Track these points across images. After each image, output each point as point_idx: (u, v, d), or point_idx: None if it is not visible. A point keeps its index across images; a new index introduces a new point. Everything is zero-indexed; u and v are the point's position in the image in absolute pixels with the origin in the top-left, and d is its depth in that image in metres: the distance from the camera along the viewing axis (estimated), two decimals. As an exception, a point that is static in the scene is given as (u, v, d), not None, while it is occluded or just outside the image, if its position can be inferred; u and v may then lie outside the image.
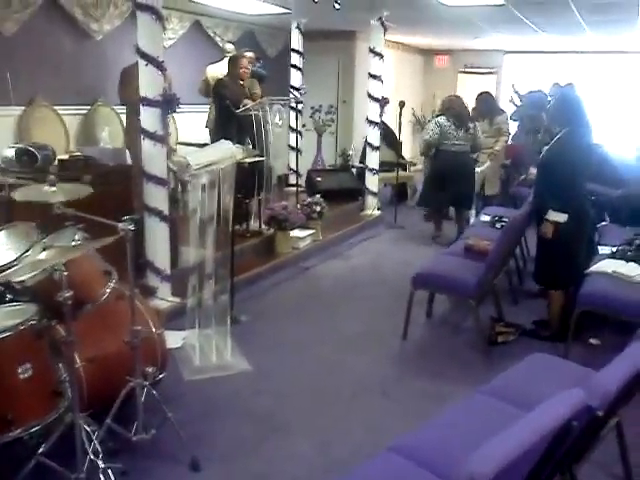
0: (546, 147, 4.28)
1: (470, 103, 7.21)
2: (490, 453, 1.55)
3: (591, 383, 2.03)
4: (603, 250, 4.65)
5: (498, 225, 5.50)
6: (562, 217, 4.05)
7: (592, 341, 4.24)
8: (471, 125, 6.68)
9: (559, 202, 4.04)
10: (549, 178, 4.12)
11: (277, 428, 3.23)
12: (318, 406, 3.48)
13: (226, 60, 6.48)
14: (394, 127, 8.68)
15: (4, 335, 2.34)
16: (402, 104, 7.91)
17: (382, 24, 7.48)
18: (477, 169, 7.03)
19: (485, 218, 5.86)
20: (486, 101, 7.41)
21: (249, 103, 5.89)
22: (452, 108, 6.69)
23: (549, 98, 8.64)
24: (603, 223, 5.11)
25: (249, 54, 7.58)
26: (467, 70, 12.59)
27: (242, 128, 5.90)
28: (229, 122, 5.88)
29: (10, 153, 4.03)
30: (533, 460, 1.78)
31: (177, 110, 5.52)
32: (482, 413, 2.51)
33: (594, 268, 4.21)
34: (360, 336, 4.47)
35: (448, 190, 6.65)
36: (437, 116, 6.94)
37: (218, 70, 6.65)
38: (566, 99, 4.43)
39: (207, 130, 6.72)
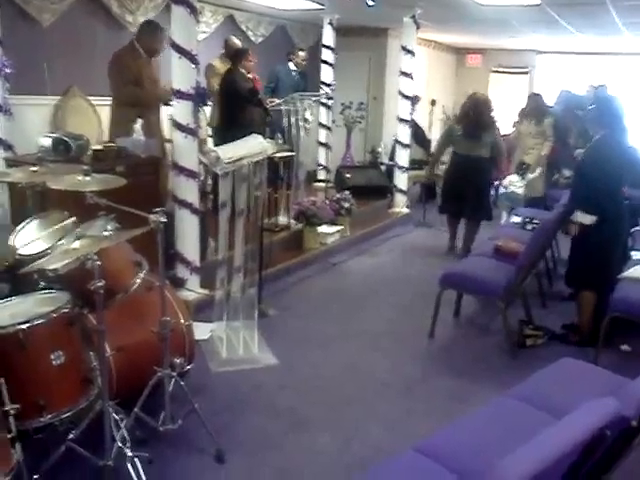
0: (581, 150, 4.22)
1: (500, 103, 7.06)
2: (521, 460, 1.53)
3: (625, 391, 2.00)
4: (636, 255, 4.56)
5: (529, 227, 5.43)
6: (589, 219, 3.99)
7: (623, 347, 4.17)
8: (485, 137, 6.15)
9: (590, 204, 3.99)
10: (585, 181, 4.06)
11: (300, 423, 3.24)
12: (342, 402, 3.47)
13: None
14: (424, 125, 8.62)
15: (37, 322, 2.37)
16: (433, 102, 7.85)
17: (415, 22, 7.43)
18: (530, 176, 6.90)
19: (516, 219, 5.80)
20: (534, 101, 7.26)
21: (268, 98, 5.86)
22: (462, 114, 6.35)
23: (585, 100, 8.55)
24: (637, 228, 5.01)
25: (302, 53, 7.65)
26: (499, 70, 12.45)
27: (252, 123, 5.86)
28: (240, 118, 5.84)
29: (47, 142, 4.08)
30: (563, 469, 1.75)
31: (208, 103, 5.60)
32: (510, 417, 2.48)
33: (627, 273, 4.13)
34: (386, 333, 4.46)
35: (461, 195, 6.28)
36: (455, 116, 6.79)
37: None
38: (606, 101, 4.36)
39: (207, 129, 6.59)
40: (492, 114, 6.31)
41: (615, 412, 1.82)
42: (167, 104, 5.18)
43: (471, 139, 6.15)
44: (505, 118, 8.89)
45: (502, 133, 6.92)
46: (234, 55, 6.18)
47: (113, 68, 5.03)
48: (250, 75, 6.17)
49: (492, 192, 7.31)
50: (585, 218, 4.01)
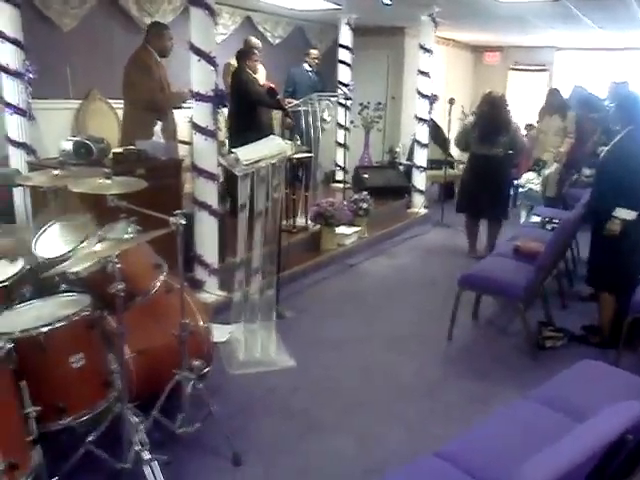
0: (605, 147, 4.17)
1: (519, 101, 6.98)
2: (543, 464, 1.52)
3: (648, 395, 1.97)
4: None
5: (548, 227, 5.38)
6: (632, 214, 3.92)
7: (645, 349, 4.11)
8: (501, 138, 6.03)
9: (628, 200, 3.92)
10: (612, 178, 3.99)
11: (317, 426, 3.24)
12: (359, 405, 3.47)
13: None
14: (443, 124, 8.58)
15: (58, 325, 2.40)
16: (452, 101, 7.80)
17: (433, 20, 7.40)
18: (545, 172, 6.81)
19: (535, 219, 5.75)
20: (554, 97, 7.12)
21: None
22: (477, 118, 6.24)
23: (606, 96, 8.44)
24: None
25: (314, 51, 7.66)
26: (518, 67, 12.34)
27: (262, 124, 5.85)
28: (252, 117, 5.84)
29: (68, 146, 4.12)
30: (585, 472, 1.73)
31: (226, 105, 5.62)
32: (531, 420, 2.46)
33: (649, 274, 4.08)
34: (404, 335, 4.44)
35: (480, 195, 6.18)
36: (473, 113, 6.72)
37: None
38: (629, 98, 4.30)
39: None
40: (509, 112, 6.21)
41: (637, 415, 1.80)
42: (179, 107, 5.23)
43: (488, 140, 6.07)
44: (524, 116, 8.84)
45: (522, 130, 6.84)
46: (239, 54, 6.14)
47: (135, 71, 5.04)
48: (256, 76, 6.16)
49: (512, 191, 7.26)
50: (629, 214, 3.92)
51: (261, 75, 6.88)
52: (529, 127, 8.22)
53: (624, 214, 3.93)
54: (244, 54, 6.07)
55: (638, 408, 1.83)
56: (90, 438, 2.57)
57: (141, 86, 5.00)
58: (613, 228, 3.97)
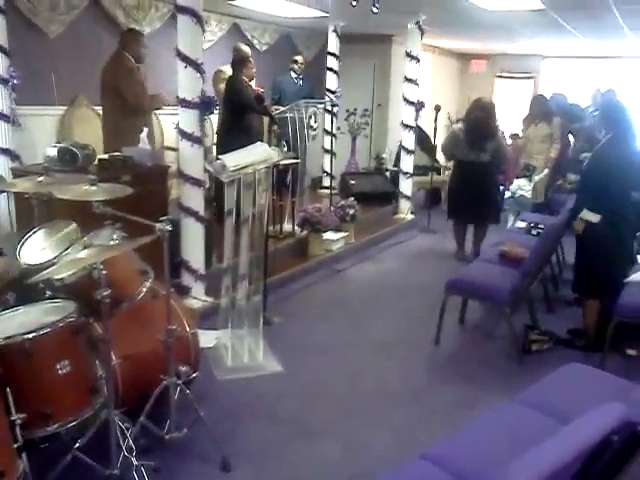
0: (587, 154, 4.23)
1: (505, 109, 6.99)
2: (528, 466, 1.53)
3: (632, 396, 1.99)
4: (642, 259, 4.55)
5: (534, 232, 5.42)
6: (595, 217, 4.01)
7: (629, 352, 4.15)
8: (489, 144, 6.11)
9: (596, 204, 4.01)
10: (595, 185, 4.05)
11: (305, 431, 3.23)
12: (346, 410, 3.47)
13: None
14: (429, 131, 8.63)
15: (44, 331, 2.37)
16: (438, 108, 7.84)
17: (419, 28, 7.45)
18: (536, 178, 6.85)
19: (521, 224, 5.79)
20: (539, 103, 7.11)
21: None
22: (467, 123, 6.25)
23: (590, 104, 8.54)
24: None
25: (299, 57, 7.68)
26: (504, 75, 12.45)
27: (252, 131, 5.87)
28: (241, 125, 5.85)
29: (53, 152, 4.10)
30: (570, 474, 1.74)
31: (214, 112, 5.63)
32: (517, 423, 2.47)
33: (633, 277, 4.11)
34: (391, 340, 4.45)
35: (467, 202, 6.24)
36: (459, 121, 6.76)
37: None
38: (611, 106, 4.38)
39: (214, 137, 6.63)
40: (497, 121, 6.27)
41: (622, 417, 1.82)
42: (159, 108, 5.35)
43: (477, 146, 6.12)
44: (510, 123, 8.92)
45: (507, 138, 6.89)
46: (234, 63, 6.16)
47: (120, 75, 5.03)
48: (252, 83, 6.19)
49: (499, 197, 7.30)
50: (591, 216, 4.02)
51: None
52: (514, 136, 8.27)
53: (588, 215, 4.03)
54: (239, 63, 6.08)
55: (622, 410, 1.85)
56: (77, 445, 2.55)
57: (128, 91, 5.00)
58: (577, 227, 4.13)
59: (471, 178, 6.21)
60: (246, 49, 6.60)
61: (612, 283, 4.05)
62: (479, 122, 6.11)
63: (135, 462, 2.54)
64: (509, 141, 7.87)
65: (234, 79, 6.01)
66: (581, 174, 4.41)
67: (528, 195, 6.94)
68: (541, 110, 7.02)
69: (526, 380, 3.16)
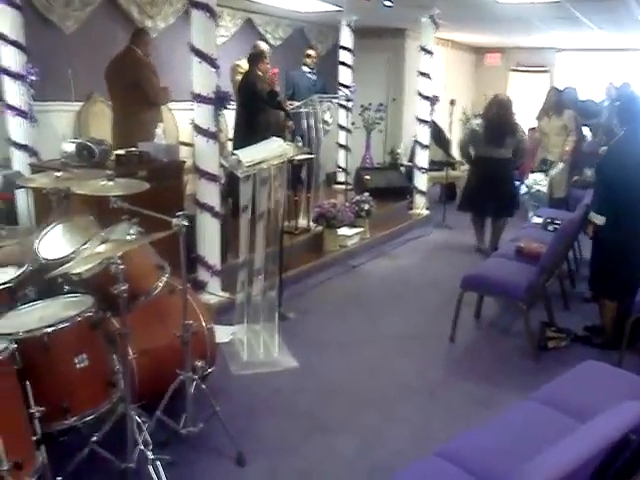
0: (606, 147, 4.19)
1: (520, 103, 6.92)
2: (546, 464, 1.52)
3: (651, 395, 1.97)
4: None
5: (550, 228, 5.38)
6: (600, 220, 3.99)
7: (648, 350, 4.11)
8: (508, 140, 6.14)
9: (603, 203, 3.99)
10: (606, 179, 4.01)
11: (320, 426, 3.24)
12: (362, 406, 3.47)
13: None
14: (444, 126, 8.58)
15: (62, 326, 2.40)
16: (452, 102, 7.81)
17: (433, 21, 7.42)
18: (552, 172, 6.80)
19: (537, 220, 5.75)
20: (551, 96, 7.03)
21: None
22: (486, 120, 6.24)
23: (604, 98, 8.44)
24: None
25: (311, 51, 7.67)
26: (519, 68, 12.35)
27: (270, 127, 5.86)
28: (258, 120, 5.85)
29: (70, 148, 4.14)
30: (588, 473, 1.73)
31: (228, 107, 5.63)
32: (533, 421, 2.46)
33: (651, 275, 4.07)
34: (406, 337, 4.44)
35: (486, 197, 6.29)
36: (477, 116, 6.74)
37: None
38: (627, 99, 4.34)
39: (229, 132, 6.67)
40: (515, 115, 6.27)
41: (641, 416, 1.80)
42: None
43: (496, 141, 6.15)
44: (525, 117, 8.84)
45: (526, 134, 6.83)
46: (251, 58, 6.20)
47: (141, 70, 5.13)
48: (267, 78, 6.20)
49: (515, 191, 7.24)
50: (597, 218, 4.00)
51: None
52: (533, 130, 8.21)
53: (594, 218, 4.03)
54: (255, 58, 6.12)
55: (640, 408, 1.83)
56: (94, 438, 2.57)
57: (148, 84, 5.09)
58: (587, 230, 4.13)
59: (490, 174, 6.23)
60: (264, 46, 6.63)
61: (628, 284, 3.99)
62: (498, 119, 6.13)
63: (151, 456, 2.55)
64: (527, 135, 7.80)
65: (250, 73, 6.05)
66: (596, 167, 4.37)
67: (544, 190, 6.88)
68: (553, 103, 6.96)
69: (542, 378, 3.14)
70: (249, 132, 5.64)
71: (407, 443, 3.10)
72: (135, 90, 5.10)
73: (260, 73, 6.04)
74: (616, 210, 3.95)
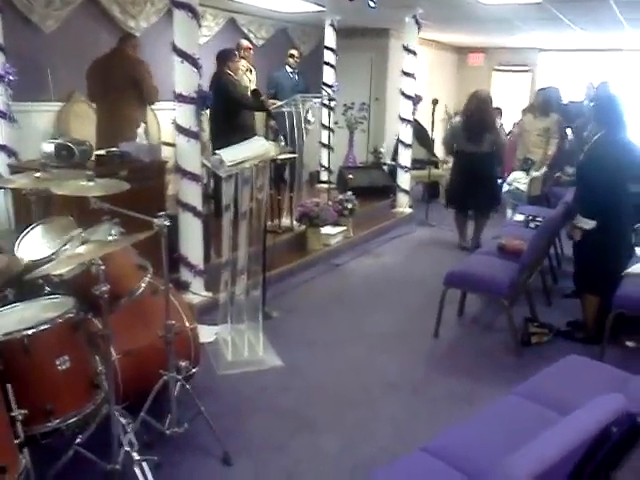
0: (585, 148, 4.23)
1: (502, 102, 6.97)
2: (528, 457, 1.53)
3: (631, 388, 1.99)
4: (641, 252, 4.54)
5: (532, 225, 5.42)
6: (589, 224, 4.01)
7: (628, 344, 4.16)
8: (487, 136, 6.25)
9: (591, 207, 4.02)
10: (586, 180, 4.06)
11: (306, 425, 3.24)
12: (347, 404, 3.47)
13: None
14: (427, 125, 8.62)
15: (43, 327, 2.37)
16: (435, 102, 7.83)
17: (416, 22, 7.44)
18: (533, 173, 6.85)
19: (519, 217, 5.79)
20: (540, 96, 7.04)
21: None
22: (465, 116, 6.35)
23: (584, 97, 8.50)
24: (640, 225, 4.99)
25: (293, 51, 7.67)
26: (501, 68, 12.44)
27: (245, 127, 5.85)
28: (235, 120, 5.82)
29: (50, 148, 4.09)
30: (570, 466, 1.75)
31: (210, 106, 5.61)
32: (517, 415, 2.48)
33: (631, 270, 4.11)
34: (390, 334, 4.46)
35: (467, 191, 6.40)
36: (457, 114, 6.80)
37: None
38: (604, 100, 4.39)
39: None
40: (493, 111, 6.34)
41: (621, 409, 1.82)
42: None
43: (475, 137, 6.23)
44: (507, 116, 8.90)
45: (504, 130, 6.89)
46: (218, 56, 6.05)
47: (142, 68, 5.19)
48: (241, 70, 6.15)
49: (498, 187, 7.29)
50: (585, 223, 4.03)
51: (252, 77, 6.90)
52: (516, 124, 8.24)
53: (582, 223, 4.05)
54: (224, 57, 6.00)
55: (622, 401, 1.85)
56: (78, 440, 2.55)
57: (147, 82, 5.18)
58: (574, 235, 4.14)
59: (471, 168, 6.35)
60: (243, 43, 6.60)
61: (611, 279, 4.04)
62: (476, 114, 6.22)
63: (136, 457, 2.54)
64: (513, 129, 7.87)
65: (219, 75, 5.93)
66: (577, 169, 4.42)
67: (523, 188, 6.94)
68: (541, 102, 6.99)
69: (526, 372, 3.16)
70: (226, 134, 5.50)
71: (391, 440, 3.12)
72: (128, 89, 5.10)
73: (229, 72, 5.94)
74: (604, 213, 3.99)
